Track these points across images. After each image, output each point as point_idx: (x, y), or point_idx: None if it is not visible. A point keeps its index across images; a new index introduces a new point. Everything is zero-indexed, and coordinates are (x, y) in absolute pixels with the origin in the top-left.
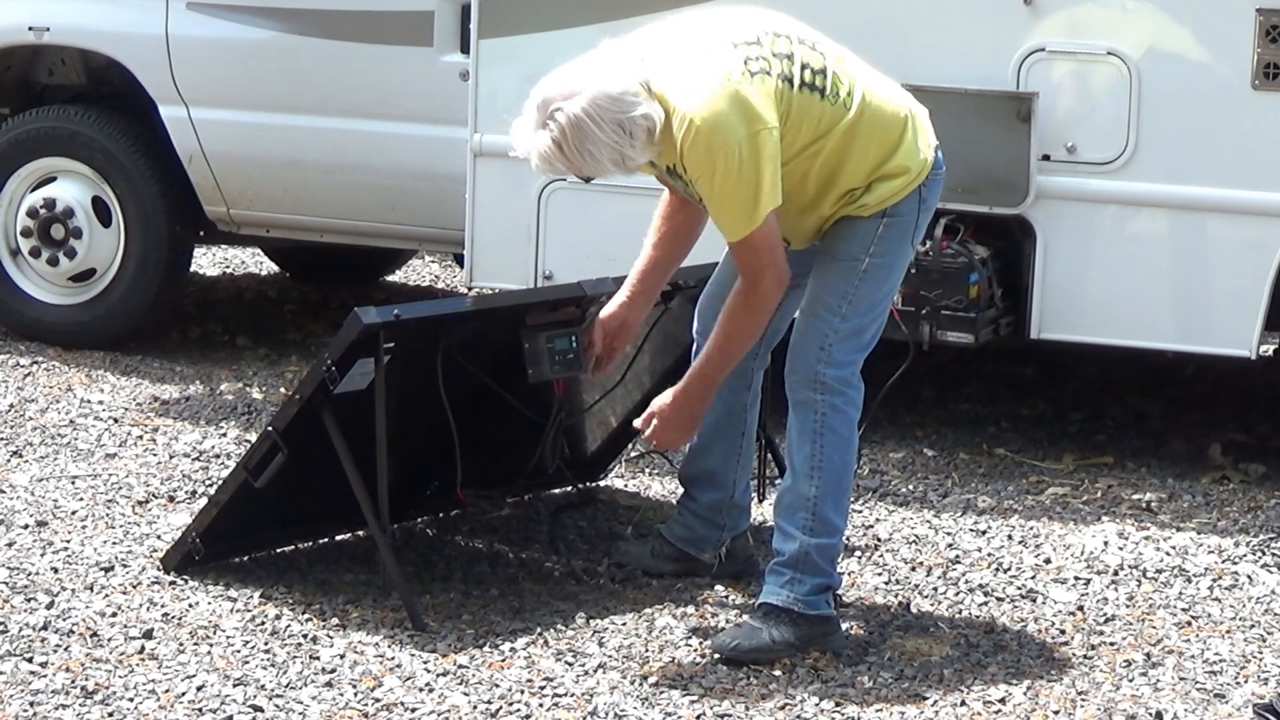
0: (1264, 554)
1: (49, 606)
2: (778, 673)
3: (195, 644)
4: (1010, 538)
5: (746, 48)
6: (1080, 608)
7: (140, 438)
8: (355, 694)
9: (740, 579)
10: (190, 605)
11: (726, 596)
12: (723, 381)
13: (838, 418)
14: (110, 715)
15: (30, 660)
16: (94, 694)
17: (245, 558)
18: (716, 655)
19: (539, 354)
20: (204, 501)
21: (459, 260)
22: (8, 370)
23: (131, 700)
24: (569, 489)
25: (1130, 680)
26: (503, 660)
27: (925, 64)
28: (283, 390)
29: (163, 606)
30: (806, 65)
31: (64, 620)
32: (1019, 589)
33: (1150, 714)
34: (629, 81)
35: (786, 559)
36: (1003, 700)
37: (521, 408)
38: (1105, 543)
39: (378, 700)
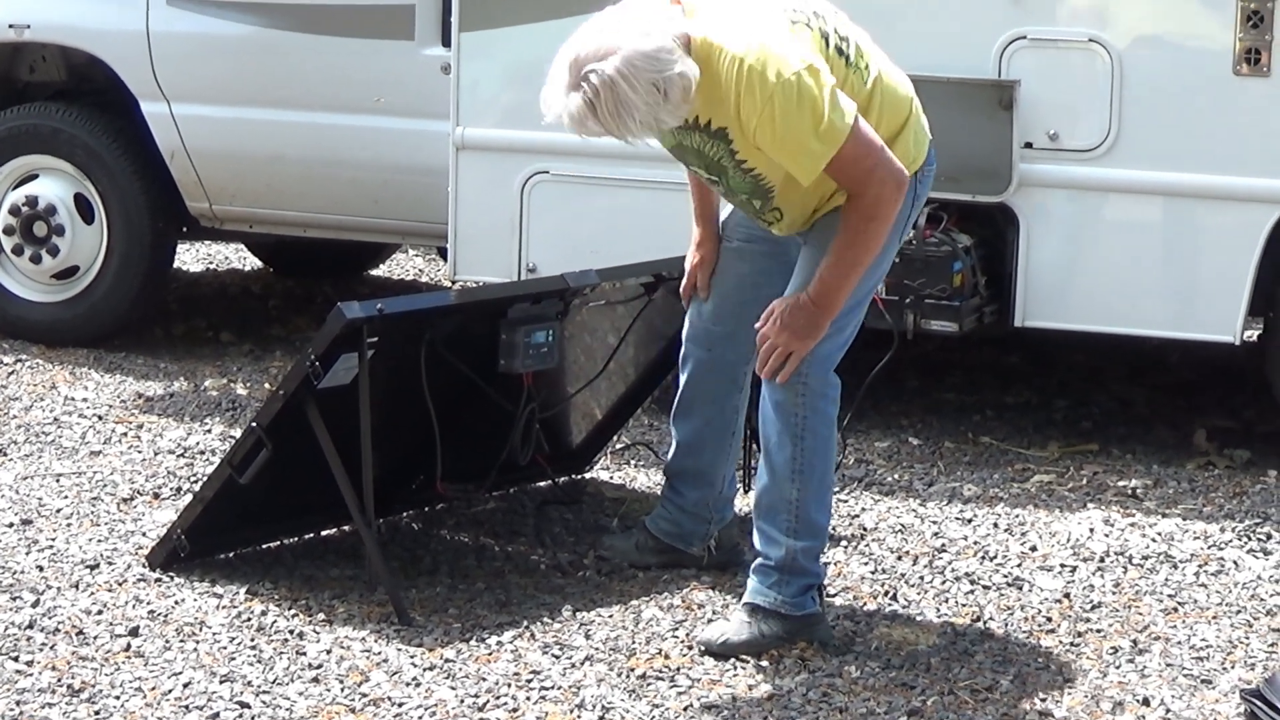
0: (1249, 539)
1: (34, 605)
2: (765, 664)
3: (181, 641)
4: (996, 526)
5: (785, 6)
6: (1066, 595)
7: (125, 435)
8: (342, 689)
9: (727, 569)
10: (176, 602)
11: (713, 586)
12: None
13: (818, 419)
14: (97, 713)
15: (16, 659)
16: (80, 692)
17: (231, 554)
18: (703, 649)
19: (514, 346)
20: (189, 498)
21: (442, 254)
22: None
23: (118, 698)
24: (555, 481)
25: (1117, 667)
26: (489, 654)
27: (907, 52)
28: (267, 386)
29: (148, 604)
30: (836, 30)
31: (50, 618)
32: (1005, 577)
33: (1137, 700)
34: (663, 38)
35: (773, 562)
36: (990, 689)
37: (503, 401)
38: (1091, 530)
39: (364, 695)
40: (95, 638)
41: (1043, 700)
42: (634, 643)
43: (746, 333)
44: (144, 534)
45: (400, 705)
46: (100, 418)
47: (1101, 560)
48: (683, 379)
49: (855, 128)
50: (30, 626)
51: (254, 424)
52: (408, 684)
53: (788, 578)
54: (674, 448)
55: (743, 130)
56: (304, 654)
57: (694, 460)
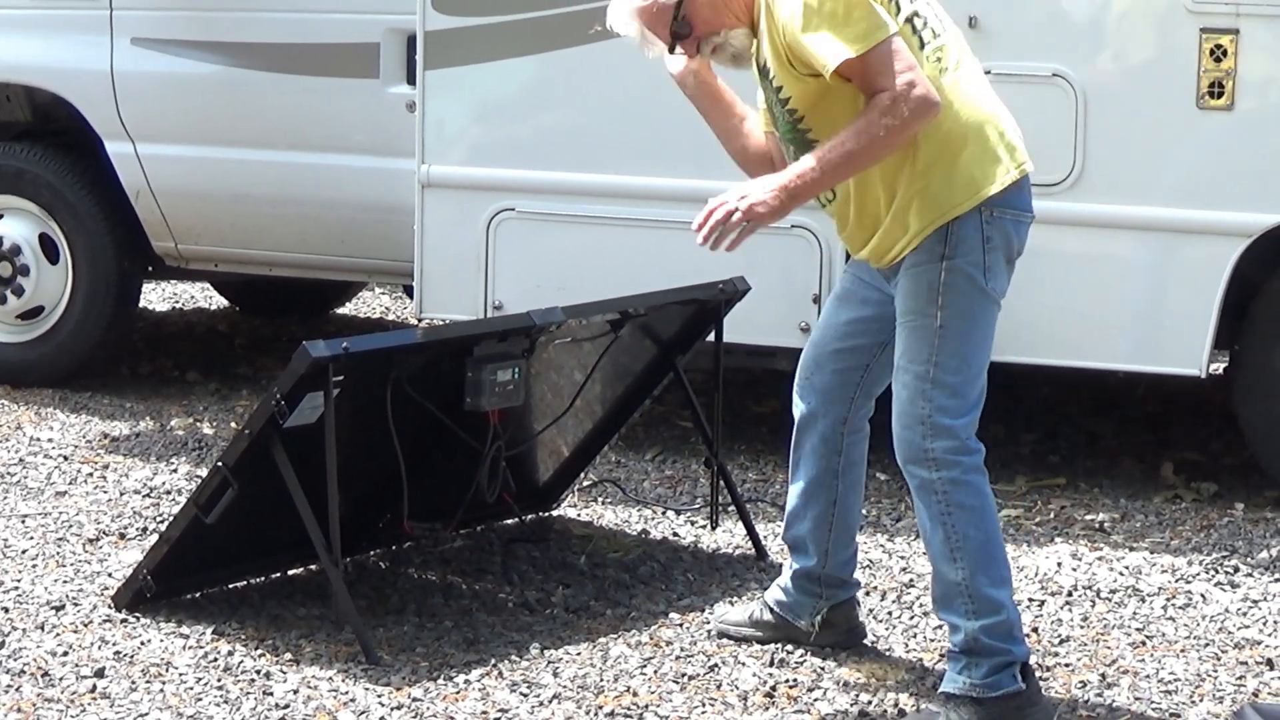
0: (1217, 572)
1: None
2: (733, 700)
3: (148, 682)
4: None
5: None
6: (1035, 629)
7: (90, 475)
8: None
9: (841, 648)
10: (142, 643)
11: (681, 624)
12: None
13: (961, 491)
14: None
15: None
16: None
17: (197, 594)
18: None
19: (480, 384)
20: (155, 538)
21: (408, 292)
22: None
23: None
24: (522, 519)
25: (1085, 701)
26: (457, 692)
27: None
28: (233, 425)
29: (114, 645)
30: (919, 14)
31: (15, 660)
32: None
33: None
34: None
35: (958, 647)
36: None
37: (469, 439)
38: (1059, 564)
39: None
40: (61, 679)
41: None
42: (602, 680)
43: (837, 384)
44: (110, 574)
45: None
46: (66, 458)
47: (1069, 594)
48: (794, 437)
49: (891, 39)
50: None
51: (220, 463)
52: None
53: (975, 659)
54: (786, 512)
55: (775, 44)
56: (271, 694)
57: (798, 528)
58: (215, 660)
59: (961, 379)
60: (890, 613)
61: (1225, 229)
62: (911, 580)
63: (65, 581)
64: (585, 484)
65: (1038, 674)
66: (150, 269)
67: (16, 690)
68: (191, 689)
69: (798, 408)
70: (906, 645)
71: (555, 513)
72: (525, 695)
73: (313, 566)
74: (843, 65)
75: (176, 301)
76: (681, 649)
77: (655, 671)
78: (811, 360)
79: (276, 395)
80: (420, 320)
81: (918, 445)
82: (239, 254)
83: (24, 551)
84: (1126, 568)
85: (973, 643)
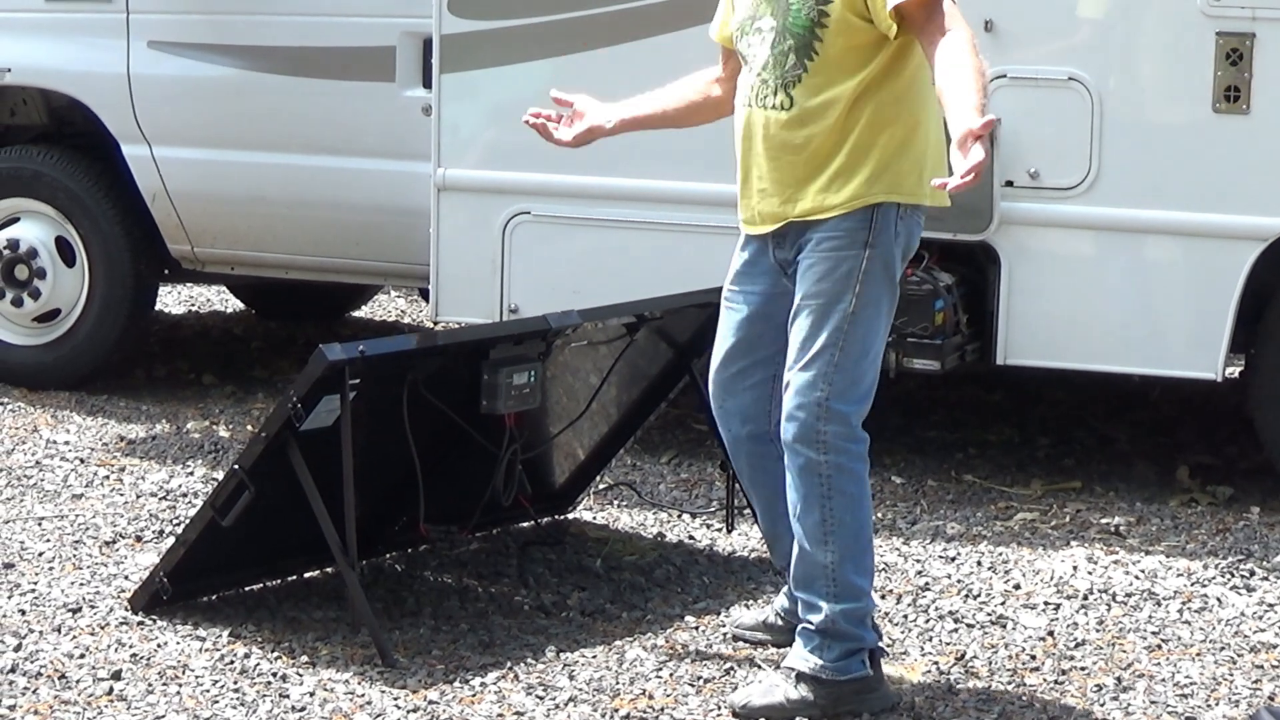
0: (1233, 576)
1: (16, 649)
2: None
3: (164, 684)
4: (979, 564)
5: None
6: (1050, 633)
7: (107, 478)
8: None
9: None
10: (159, 645)
11: (696, 627)
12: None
13: (844, 478)
14: None
15: None
16: None
17: (213, 597)
18: (731, 710)
19: (496, 387)
20: (171, 541)
21: (424, 295)
22: None
23: None
24: (538, 522)
25: (1101, 705)
26: (473, 695)
27: None
28: (249, 428)
29: (131, 647)
30: None
31: (32, 662)
32: (989, 615)
33: None
34: None
35: (814, 626)
36: None
37: (485, 442)
38: (1074, 567)
39: None
40: (78, 681)
41: None
42: (618, 683)
43: (752, 401)
44: (126, 577)
45: None
46: (82, 461)
47: (1085, 598)
48: (732, 463)
49: None
50: (12, 670)
51: (236, 466)
52: None
53: (830, 641)
54: (763, 536)
55: None
56: (287, 696)
57: (779, 547)
58: (231, 663)
59: (862, 366)
60: (906, 616)
61: (1241, 233)
62: (927, 584)
63: (82, 584)
64: (601, 487)
65: (1053, 678)
66: (166, 272)
67: (34, 693)
68: (208, 691)
69: (723, 433)
70: (922, 648)
71: (571, 516)
72: (541, 698)
73: (329, 569)
74: None
75: (192, 305)
76: (697, 652)
77: (671, 675)
78: (720, 386)
79: (293, 398)
80: (436, 323)
81: (810, 426)
82: (255, 257)
83: (41, 554)
84: (1142, 571)
85: (830, 624)
